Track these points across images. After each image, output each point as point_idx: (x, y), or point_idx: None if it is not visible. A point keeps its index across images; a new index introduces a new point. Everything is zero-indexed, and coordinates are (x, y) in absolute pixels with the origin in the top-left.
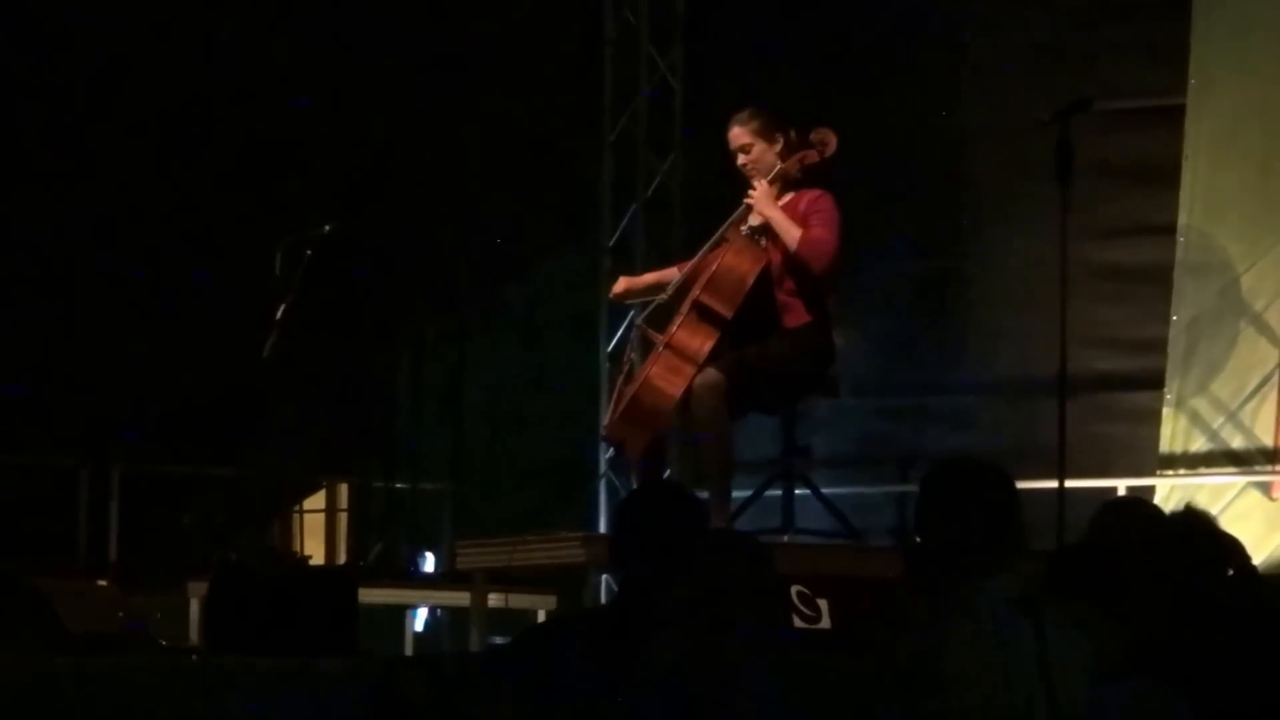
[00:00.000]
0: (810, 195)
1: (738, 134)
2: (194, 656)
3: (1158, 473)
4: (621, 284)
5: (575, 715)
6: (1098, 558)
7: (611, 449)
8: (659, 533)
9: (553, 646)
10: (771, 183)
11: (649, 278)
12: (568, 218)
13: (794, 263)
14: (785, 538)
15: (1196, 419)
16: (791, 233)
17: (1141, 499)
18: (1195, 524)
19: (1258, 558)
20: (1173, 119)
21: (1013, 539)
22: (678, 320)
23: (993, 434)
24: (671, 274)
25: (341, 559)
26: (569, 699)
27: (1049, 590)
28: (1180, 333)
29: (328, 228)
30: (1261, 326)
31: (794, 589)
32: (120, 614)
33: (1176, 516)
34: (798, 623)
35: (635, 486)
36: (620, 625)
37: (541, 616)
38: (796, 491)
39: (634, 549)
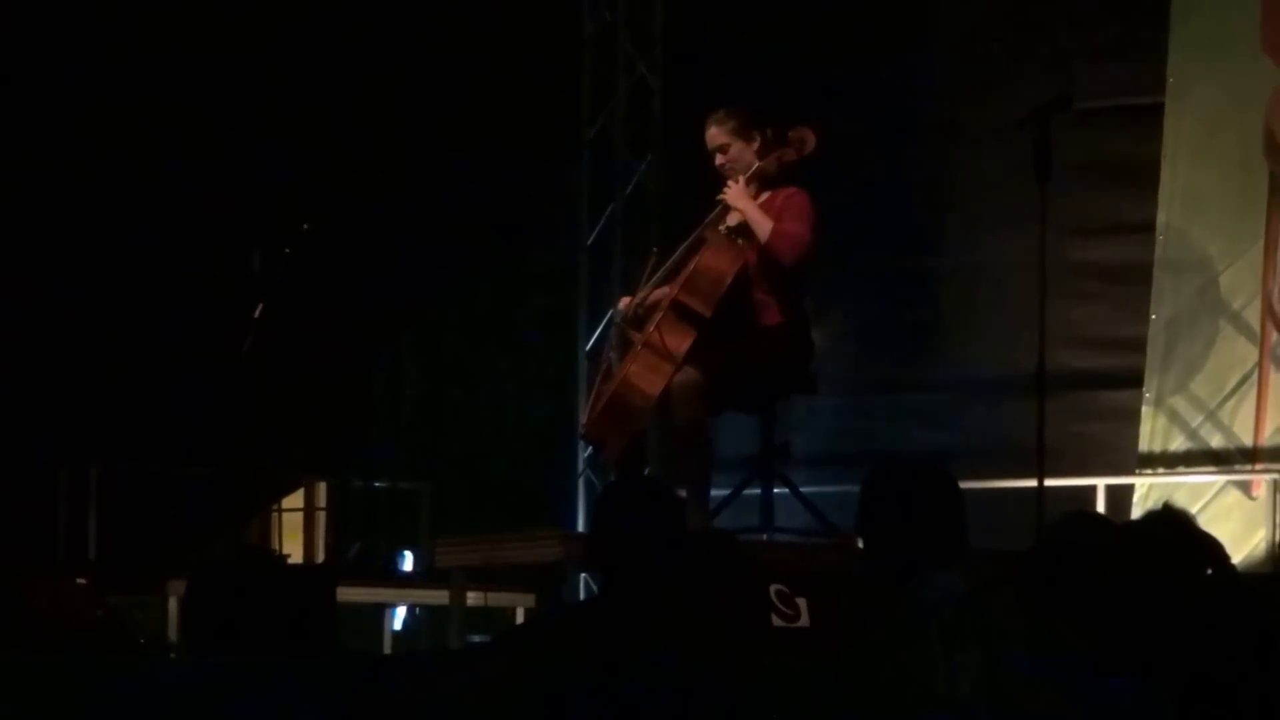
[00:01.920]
0: (786, 192)
1: (714, 134)
2: (172, 655)
3: (1137, 471)
4: (624, 304)
5: (561, 713)
6: (1064, 558)
7: (590, 448)
8: (635, 529)
9: (537, 644)
10: (749, 181)
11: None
12: (546, 217)
13: (769, 259)
14: (764, 536)
15: (1175, 418)
16: (763, 225)
17: (1091, 512)
18: (1173, 523)
19: (1237, 556)
20: (1152, 117)
21: (955, 538)
22: (656, 319)
23: (972, 432)
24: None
25: (320, 558)
26: (554, 696)
27: (1018, 591)
28: (1159, 331)
29: (305, 226)
30: (1240, 325)
31: (773, 588)
32: (99, 612)
33: (1154, 515)
34: (776, 621)
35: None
36: (604, 622)
37: (520, 615)
38: (775, 490)
39: (610, 546)
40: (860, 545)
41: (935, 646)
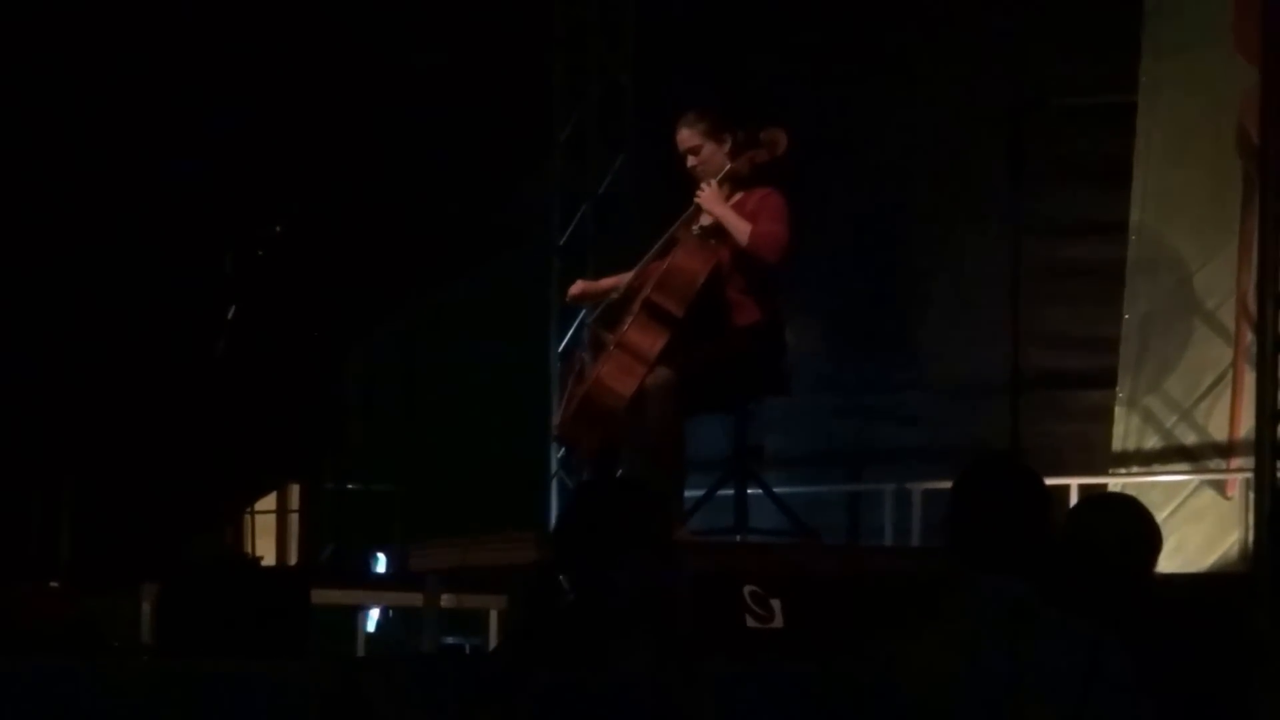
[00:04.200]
0: (760, 193)
1: (686, 136)
2: (146, 658)
3: (1110, 471)
4: (578, 286)
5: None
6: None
7: (563, 449)
8: (612, 529)
9: (512, 650)
10: (721, 183)
11: (606, 282)
12: (519, 216)
13: (745, 260)
14: (738, 537)
15: (1149, 417)
16: (741, 228)
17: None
18: (1134, 512)
19: (1211, 556)
20: (1125, 117)
21: (1036, 541)
22: (629, 320)
23: (945, 432)
24: (628, 278)
25: (293, 560)
26: (527, 703)
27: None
28: (1133, 331)
29: (277, 229)
30: (1215, 324)
31: (746, 589)
32: (72, 615)
33: (1105, 502)
34: (750, 622)
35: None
36: (580, 629)
37: (494, 617)
38: (749, 491)
39: (584, 546)
40: (946, 541)
41: (979, 647)
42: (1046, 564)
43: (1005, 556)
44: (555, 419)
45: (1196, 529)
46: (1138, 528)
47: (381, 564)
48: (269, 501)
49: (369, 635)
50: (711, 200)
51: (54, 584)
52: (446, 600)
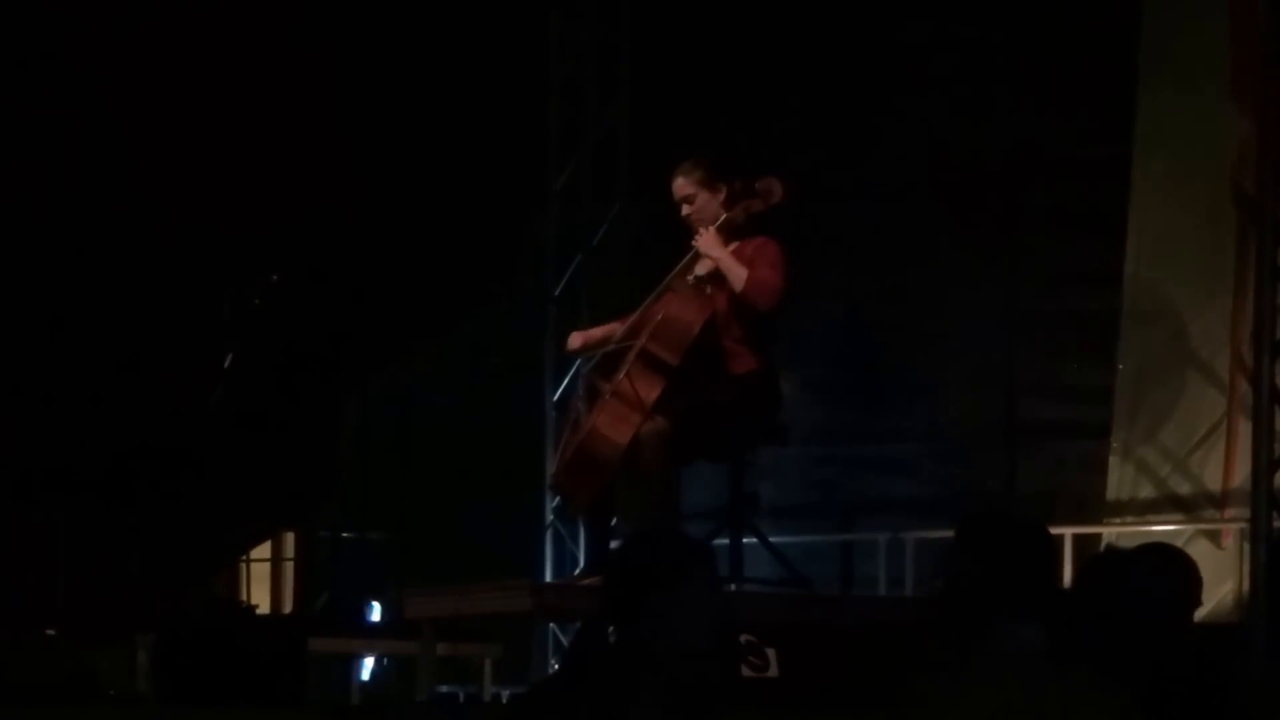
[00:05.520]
0: (757, 242)
1: (680, 185)
2: (142, 707)
3: (1104, 521)
4: (576, 339)
5: None
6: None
7: (558, 498)
8: (668, 580)
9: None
10: (717, 232)
11: (599, 331)
12: (514, 266)
13: (740, 308)
14: (733, 586)
15: (1144, 467)
16: (738, 273)
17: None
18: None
19: (1205, 606)
20: (1120, 167)
21: (1043, 591)
22: (624, 369)
23: (939, 482)
24: (622, 326)
25: (288, 608)
26: None
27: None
28: (1127, 381)
29: (274, 278)
30: (1209, 375)
31: (742, 638)
32: (68, 664)
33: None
34: (746, 671)
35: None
36: (616, 679)
37: (488, 666)
38: (744, 539)
39: (637, 596)
40: (941, 593)
41: (1008, 703)
42: (1057, 614)
43: (1015, 606)
44: (550, 468)
45: None
46: (1184, 581)
47: (376, 612)
48: (264, 550)
49: (363, 684)
50: (710, 244)
51: (50, 633)
52: (441, 649)
